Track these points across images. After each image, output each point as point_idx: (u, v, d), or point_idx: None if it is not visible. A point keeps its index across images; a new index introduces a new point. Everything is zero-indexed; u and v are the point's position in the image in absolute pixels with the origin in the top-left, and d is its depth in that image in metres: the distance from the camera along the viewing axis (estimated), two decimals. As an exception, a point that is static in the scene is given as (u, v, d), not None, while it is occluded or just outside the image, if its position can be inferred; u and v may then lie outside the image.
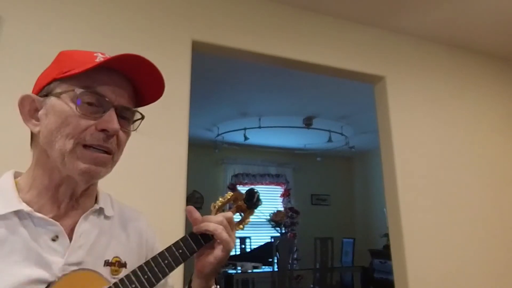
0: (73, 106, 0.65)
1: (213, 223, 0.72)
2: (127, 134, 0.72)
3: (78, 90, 0.65)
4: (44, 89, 0.68)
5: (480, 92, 2.91)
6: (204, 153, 5.86)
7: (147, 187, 1.80)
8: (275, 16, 2.34)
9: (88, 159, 0.65)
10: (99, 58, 0.69)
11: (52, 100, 0.67)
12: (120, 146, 0.70)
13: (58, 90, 0.67)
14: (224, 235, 0.72)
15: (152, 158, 1.84)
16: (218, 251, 0.73)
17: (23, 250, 0.62)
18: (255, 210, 0.82)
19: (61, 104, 0.66)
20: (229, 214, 0.76)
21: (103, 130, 0.66)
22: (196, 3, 2.14)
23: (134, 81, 0.71)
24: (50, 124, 0.66)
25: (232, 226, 0.75)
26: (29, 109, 0.69)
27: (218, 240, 0.73)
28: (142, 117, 0.73)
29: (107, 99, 0.66)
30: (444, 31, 2.71)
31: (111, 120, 0.66)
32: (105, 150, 0.67)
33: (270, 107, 4.44)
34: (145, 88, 0.73)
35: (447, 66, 2.84)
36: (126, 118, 0.71)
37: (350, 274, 5.64)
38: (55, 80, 0.67)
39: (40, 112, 0.68)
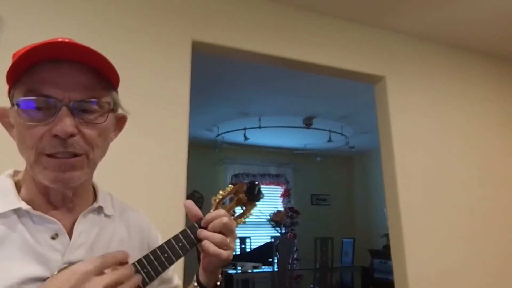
0: (21, 117, 0.61)
1: (210, 234, 0.71)
2: (96, 128, 0.64)
3: (18, 99, 0.60)
4: (10, 99, 0.65)
5: (480, 92, 2.91)
6: (204, 153, 5.86)
7: (147, 187, 1.80)
8: (275, 16, 2.34)
9: (53, 167, 0.61)
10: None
11: (12, 111, 0.64)
12: (91, 143, 0.63)
13: (14, 99, 0.63)
14: (223, 254, 0.71)
15: (152, 158, 1.84)
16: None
17: (23, 248, 0.61)
18: (257, 204, 0.81)
19: (15, 116, 0.62)
20: (225, 219, 0.73)
21: (56, 136, 0.60)
22: (196, 3, 2.15)
23: (90, 66, 0.63)
24: (16, 136, 0.64)
25: (232, 223, 0.74)
26: (8, 120, 0.67)
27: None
28: (112, 103, 0.66)
29: (53, 97, 0.60)
30: (444, 31, 2.71)
31: (61, 122, 0.59)
32: (72, 154, 0.61)
33: (270, 107, 4.44)
34: (101, 70, 0.64)
35: (447, 66, 2.84)
36: (90, 110, 0.63)
37: (350, 274, 5.64)
38: (11, 88, 0.64)
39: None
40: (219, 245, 0.71)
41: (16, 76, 0.61)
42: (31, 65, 0.59)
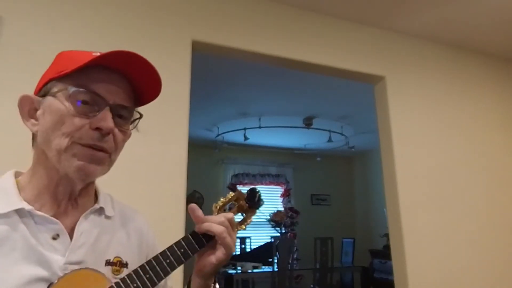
0: (67, 105, 0.65)
1: (216, 223, 0.72)
2: (125, 133, 0.71)
3: (72, 89, 0.65)
4: (42, 90, 0.69)
5: (480, 92, 2.91)
6: (204, 153, 5.87)
7: (147, 187, 1.80)
8: (275, 16, 2.34)
9: (83, 156, 0.65)
10: (95, 54, 0.68)
11: (48, 99, 0.67)
12: (117, 145, 0.69)
13: (54, 89, 0.67)
14: (227, 239, 0.71)
15: (152, 158, 1.84)
16: (219, 253, 0.73)
17: (24, 248, 0.62)
18: (257, 210, 0.82)
19: (57, 103, 0.66)
20: (230, 215, 0.75)
21: (97, 129, 0.65)
22: (196, 4, 2.14)
23: (131, 80, 0.71)
24: (47, 123, 0.66)
25: (233, 227, 0.75)
26: (29, 109, 0.69)
27: (220, 243, 0.72)
28: (140, 116, 0.73)
29: (101, 97, 0.66)
30: (444, 31, 2.71)
31: (105, 118, 0.65)
32: (101, 149, 0.67)
33: (270, 107, 4.44)
34: (142, 87, 0.72)
35: (447, 66, 2.84)
36: (124, 117, 0.70)
37: (350, 274, 5.64)
38: (51, 80, 0.68)
39: (38, 112, 0.68)
40: (228, 231, 0.72)
41: (66, 71, 0.65)
42: (86, 66, 0.65)
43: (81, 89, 0.65)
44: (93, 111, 0.66)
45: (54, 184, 0.68)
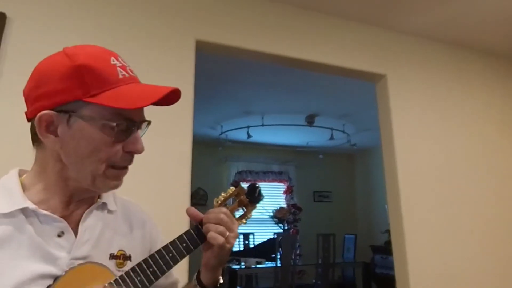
0: (105, 134, 0.65)
1: (213, 223, 0.75)
2: None
3: (112, 123, 0.65)
4: (64, 105, 0.64)
5: (481, 90, 2.92)
6: (208, 151, 5.89)
7: (152, 185, 1.83)
8: (278, 16, 2.36)
9: (115, 177, 0.69)
10: (120, 71, 0.67)
11: (79, 123, 0.64)
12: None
13: (85, 112, 0.64)
14: (220, 239, 0.73)
15: (157, 156, 1.87)
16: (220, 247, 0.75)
17: (30, 247, 0.63)
18: (258, 205, 0.84)
19: (91, 130, 0.65)
20: (224, 209, 0.78)
21: (129, 152, 0.69)
22: (200, 3, 2.17)
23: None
24: (80, 148, 0.65)
25: (231, 219, 0.77)
26: (46, 124, 0.65)
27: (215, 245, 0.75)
28: (149, 122, 0.74)
29: (134, 121, 0.68)
30: (446, 29, 2.72)
31: (137, 141, 0.69)
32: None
33: (273, 106, 4.46)
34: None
35: (448, 64, 2.85)
36: (141, 130, 0.73)
37: (351, 269, 5.67)
38: (79, 100, 0.63)
39: (61, 130, 0.65)
40: (218, 233, 0.74)
41: (99, 101, 0.63)
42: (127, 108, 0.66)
43: (121, 121, 0.66)
44: (126, 135, 0.68)
45: (68, 192, 0.69)
